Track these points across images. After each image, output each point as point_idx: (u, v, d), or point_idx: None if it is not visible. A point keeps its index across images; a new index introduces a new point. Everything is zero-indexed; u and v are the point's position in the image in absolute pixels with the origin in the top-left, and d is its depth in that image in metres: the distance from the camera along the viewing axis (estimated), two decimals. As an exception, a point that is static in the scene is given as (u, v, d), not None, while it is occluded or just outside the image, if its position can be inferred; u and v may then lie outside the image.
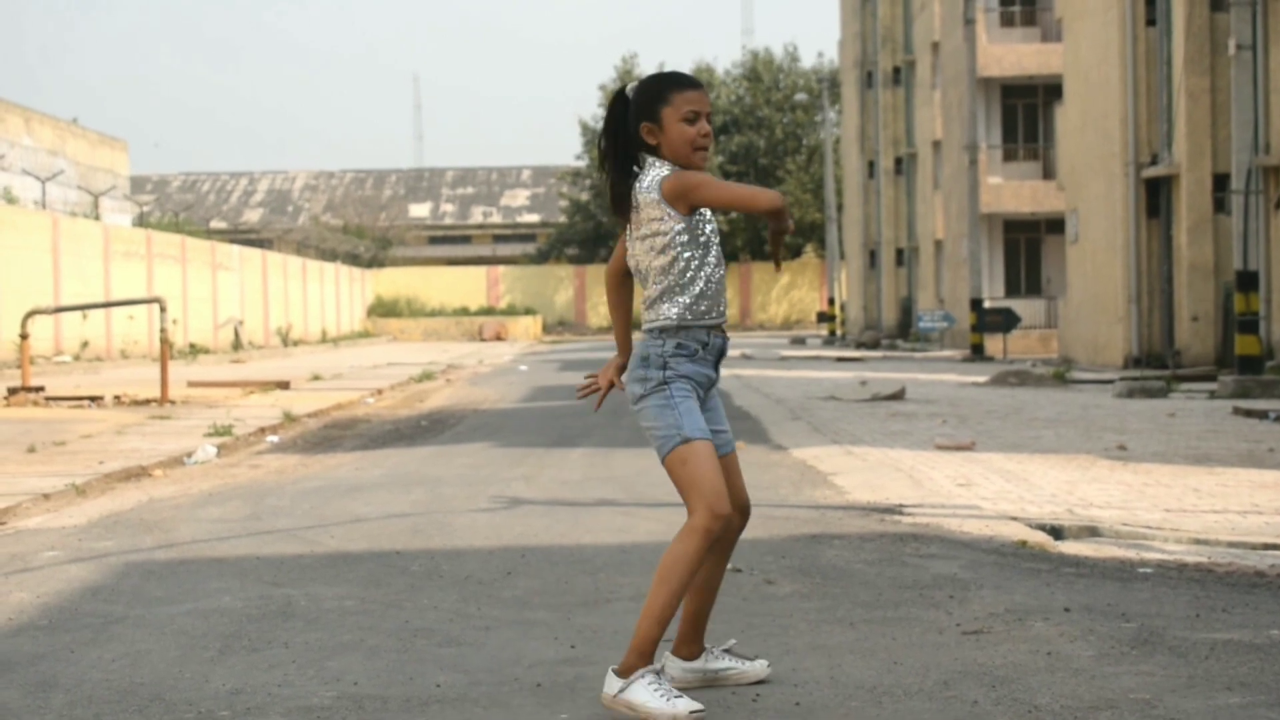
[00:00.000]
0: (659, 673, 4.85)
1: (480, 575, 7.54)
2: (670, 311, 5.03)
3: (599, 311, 77.14)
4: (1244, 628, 6.05)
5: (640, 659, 4.84)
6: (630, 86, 5.15)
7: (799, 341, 58.02)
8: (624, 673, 4.84)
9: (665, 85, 5.06)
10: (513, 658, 5.70)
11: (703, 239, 5.04)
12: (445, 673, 5.47)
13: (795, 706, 4.92)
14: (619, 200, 5.17)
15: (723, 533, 5.01)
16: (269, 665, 5.63)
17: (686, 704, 4.75)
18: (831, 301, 61.61)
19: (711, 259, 5.07)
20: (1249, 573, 7.36)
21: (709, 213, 5.09)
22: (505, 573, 7.61)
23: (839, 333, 59.63)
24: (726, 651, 5.25)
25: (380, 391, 25.08)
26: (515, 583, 7.33)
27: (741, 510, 5.22)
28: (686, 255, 5.02)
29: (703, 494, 4.90)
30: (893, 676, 5.27)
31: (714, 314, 5.07)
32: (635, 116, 5.07)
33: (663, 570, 4.88)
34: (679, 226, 5.00)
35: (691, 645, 5.21)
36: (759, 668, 5.23)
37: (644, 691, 4.78)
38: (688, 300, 5.03)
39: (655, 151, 5.06)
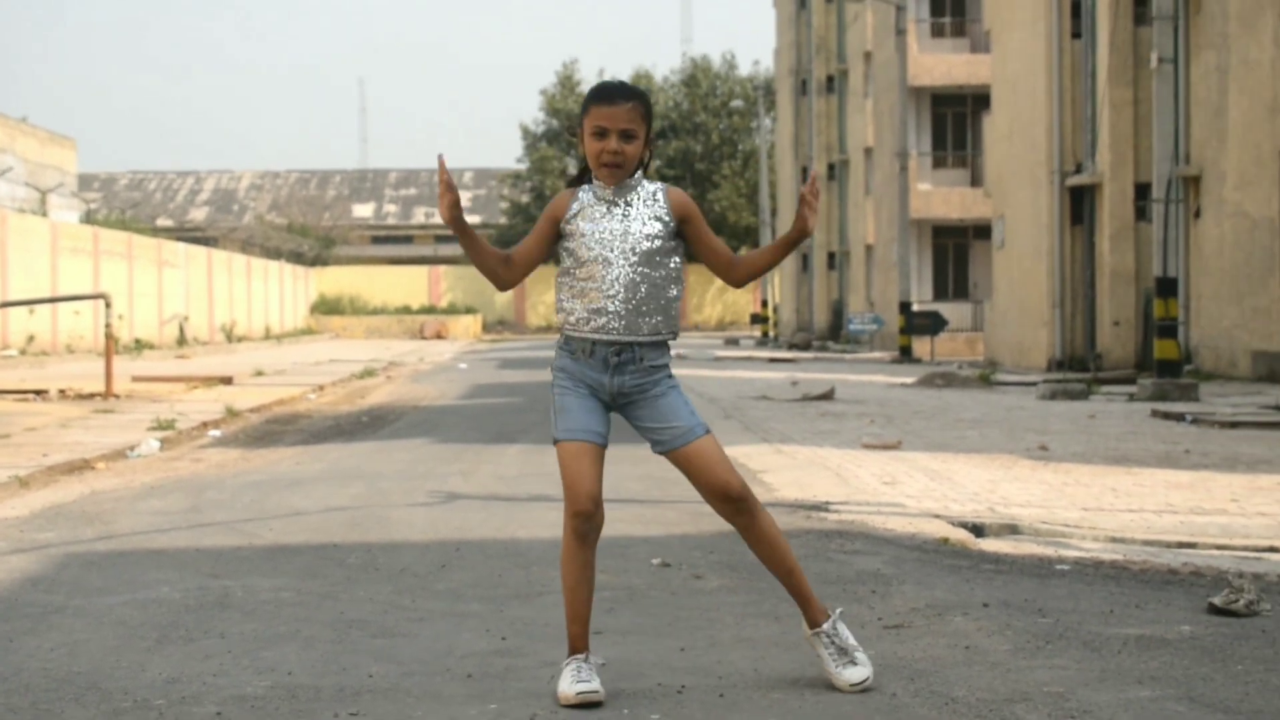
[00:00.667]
0: (584, 660, 5.07)
1: (415, 568, 7.66)
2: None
3: (538, 311, 77.49)
4: (1156, 623, 6.23)
5: (571, 645, 5.14)
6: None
7: (733, 343, 58.34)
8: (569, 654, 5.13)
9: (590, 97, 5.16)
10: (445, 649, 5.81)
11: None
12: (378, 663, 5.57)
13: (719, 699, 5.05)
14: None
15: (585, 531, 5.16)
16: (205, 655, 5.72)
17: (583, 686, 4.95)
18: (765, 304, 62.04)
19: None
20: (1162, 570, 7.56)
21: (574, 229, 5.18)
22: (440, 566, 7.73)
23: (772, 334, 60.01)
24: (834, 641, 5.23)
25: (322, 387, 25.11)
26: (449, 575, 7.45)
27: (721, 497, 5.21)
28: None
29: (566, 493, 5.13)
30: (815, 669, 5.39)
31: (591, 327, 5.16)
32: (578, 123, 5.21)
33: (562, 577, 5.21)
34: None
35: (805, 612, 5.32)
36: (849, 674, 5.15)
37: (565, 675, 5.03)
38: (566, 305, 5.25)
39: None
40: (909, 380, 26.59)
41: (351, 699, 5.07)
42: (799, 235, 5.15)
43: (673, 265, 5.19)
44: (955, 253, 48.78)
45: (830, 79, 58.06)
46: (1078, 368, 29.85)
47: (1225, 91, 26.04)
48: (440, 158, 5.07)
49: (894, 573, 7.43)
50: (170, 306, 48.66)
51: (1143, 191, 28.47)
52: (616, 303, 5.11)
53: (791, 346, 50.80)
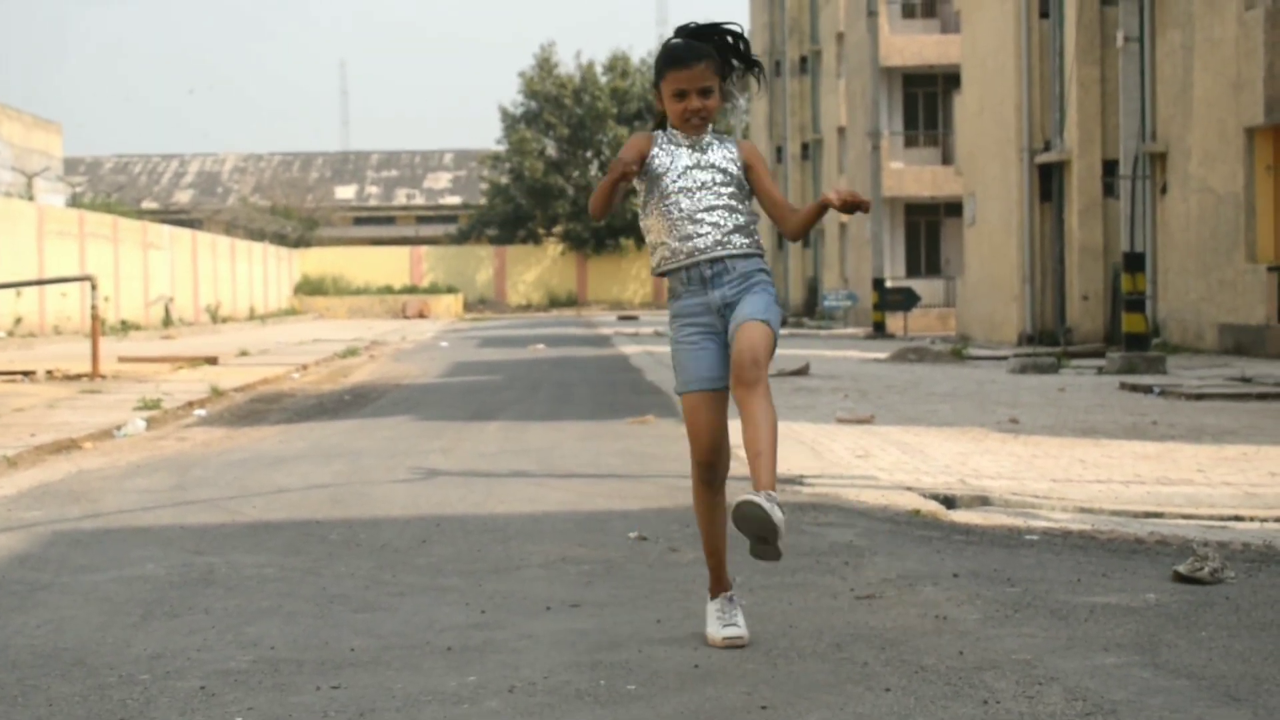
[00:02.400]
0: (730, 599, 5.53)
1: (396, 543, 7.76)
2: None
3: (518, 290, 77.60)
4: (1122, 592, 6.36)
5: (715, 585, 5.59)
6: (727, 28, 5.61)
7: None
8: (711, 595, 5.59)
9: (664, 63, 5.54)
10: (425, 622, 5.91)
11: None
12: (359, 637, 5.67)
13: (694, 669, 5.14)
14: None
15: (710, 480, 5.52)
16: (189, 630, 5.81)
17: (731, 631, 5.42)
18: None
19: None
20: (1129, 540, 7.69)
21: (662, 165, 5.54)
22: (420, 541, 7.82)
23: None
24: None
25: (305, 367, 25.15)
26: (430, 550, 7.55)
27: (737, 363, 5.32)
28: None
29: (691, 443, 5.50)
30: (788, 639, 5.52)
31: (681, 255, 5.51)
32: (655, 80, 5.60)
33: (697, 519, 5.66)
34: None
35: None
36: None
37: (709, 613, 5.54)
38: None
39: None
40: (882, 355, 26.73)
41: (333, 672, 5.16)
42: (824, 207, 5.48)
43: (746, 206, 5.57)
44: (927, 230, 48.99)
45: (803, 60, 58.16)
46: (1048, 342, 30.04)
47: (1190, 69, 26.21)
48: (622, 166, 5.41)
49: (866, 544, 7.55)
50: (156, 288, 48.61)
51: (1110, 168, 28.66)
52: (703, 226, 5.47)
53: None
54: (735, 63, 5.59)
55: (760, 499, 5.07)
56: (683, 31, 5.56)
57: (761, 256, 5.55)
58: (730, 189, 5.52)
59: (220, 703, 4.82)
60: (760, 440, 5.26)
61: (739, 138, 5.67)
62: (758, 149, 5.71)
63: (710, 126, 5.57)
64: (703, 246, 5.46)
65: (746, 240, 5.51)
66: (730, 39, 5.60)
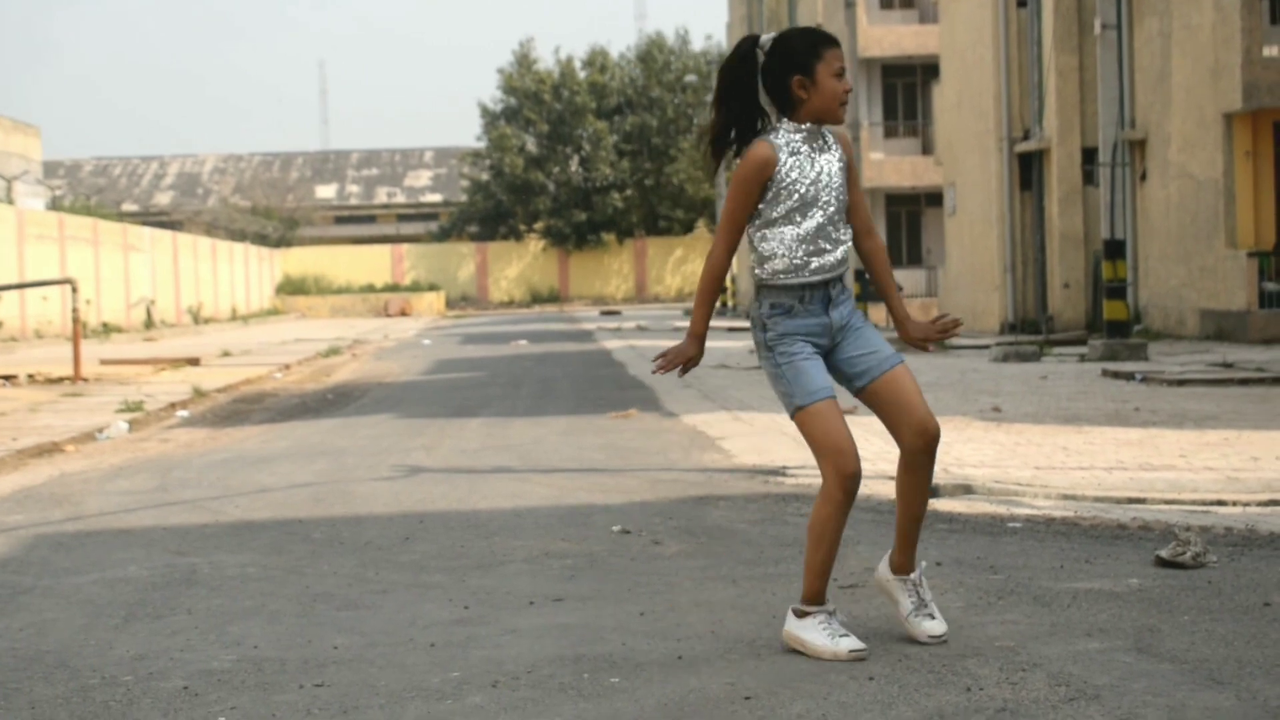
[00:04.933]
0: (831, 614, 5.16)
1: (379, 541, 7.75)
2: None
3: (500, 286, 77.51)
4: (1105, 577, 6.37)
5: (812, 604, 5.19)
6: (766, 38, 5.30)
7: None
8: (799, 614, 5.19)
9: (818, 41, 5.22)
10: (408, 619, 5.90)
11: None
12: (343, 635, 5.66)
13: (678, 660, 5.15)
14: (720, 146, 5.31)
15: (854, 491, 5.14)
16: (172, 631, 5.80)
17: (849, 643, 5.08)
18: (722, 274, 62.03)
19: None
20: (1112, 526, 7.71)
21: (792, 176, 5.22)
22: (403, 538, 7.82)
23: (730, 304, 59.98)
24: (918, 591, 5.33)
25: (288, 366, 25.13)
26: (413, 547, 7.54)
27: (919, 431, 5.18)
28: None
29: (825, 456, 5.12)
30: (771, 630, 5.52)
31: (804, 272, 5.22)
32: (783, 69, 5.20)
33: (810, 532, 5.20)
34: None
35: (898, 557, 5.40)
36: (930, 626, 5.26)
37: (814, 630, 5.12)
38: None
39: (797, 104, 5.20)
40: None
41: (317, 670, 5.16)
42: (900, 325, 5.45)
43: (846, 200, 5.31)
44: (908, 220, 49.06)
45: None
46: (1030, 330, 30.09)
47: (1168, 56, 26.25)
48: (667, 362, 5.32)
49: (849, 534, 7.53)
50: (137, 290, 48.51)
51: (1089, 156, 28.71)
52: (832, 241, 5.21)
53: (750, 316, 50.97)
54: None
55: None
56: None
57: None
58: (841, 191, 5.26)
59: (203, 702, 4.81)
60: (924, 504, 5.31)
61: (831, 128, 5.31)
62: (849, 139, 5.41)
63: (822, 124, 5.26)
64: (832, 263, 5.21)
65: (849, 252, 5.33)
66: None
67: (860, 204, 5.35)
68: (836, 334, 5.25)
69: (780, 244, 5.21)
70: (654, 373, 5.43)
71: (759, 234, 5.26)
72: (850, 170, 5.31)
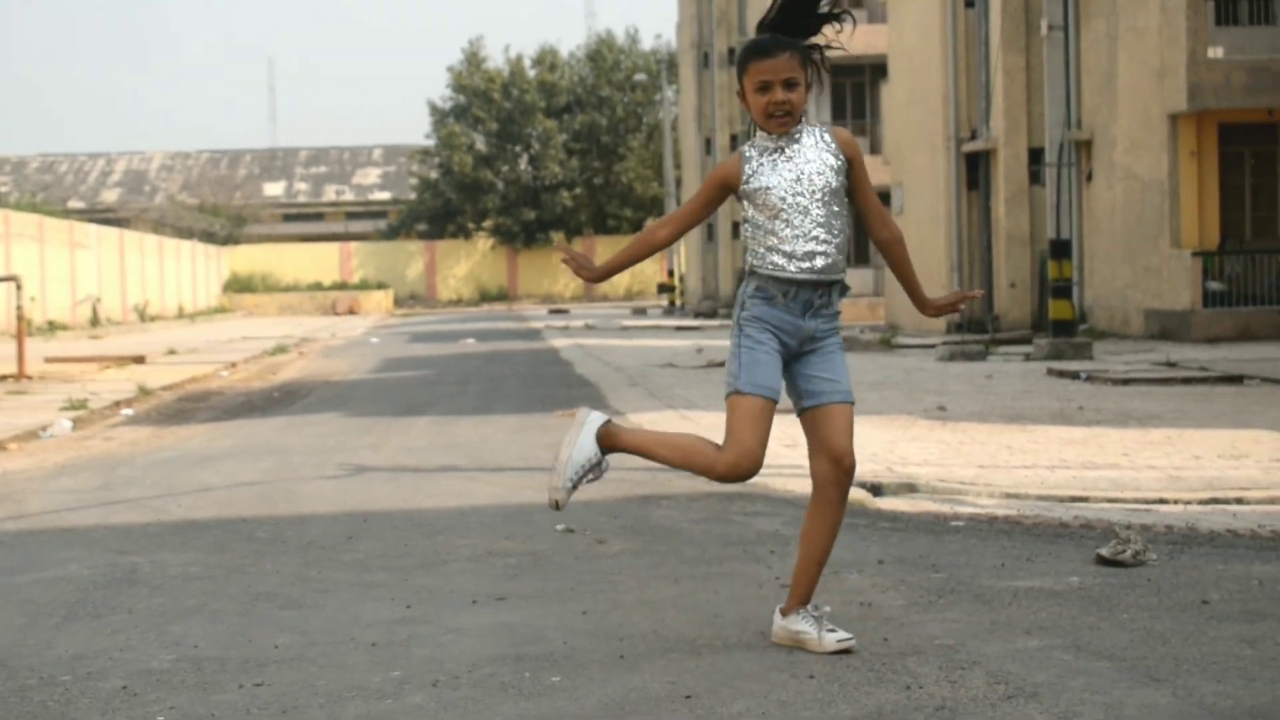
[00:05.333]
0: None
1: (323, 540, 7.72)
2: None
3: (449, 284, 77.40)
4: (1045, 575, 6.41)
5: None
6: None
7: (640, 312, 58.42)
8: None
9: (746, 55, 5.24)
10: (350, 619, 5.88)
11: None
12: (284, 634, 5.64)
13: (620, 659, 5.15)
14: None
15: (732, 480, 5.19)
16: (112, 631, 5.77)
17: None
18: (671, 273, 62.19)
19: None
20: (1054, 524, 7.76)
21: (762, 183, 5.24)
22: (347, 537, 7.79)
23: (679, 303, 60.16)
24: (816, 617, 5.24)
25: (234, 365, 25.02)
26: (356, 546, 7.52)
27: (836, 457, 5.17)
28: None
29: (730, 441, 5.13)
30: (713, 629, 5.53)
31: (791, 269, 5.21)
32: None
33: (681, 453, 5.23)
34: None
35: (791, 600, 5.31)
36: (829, 640, 5.16)
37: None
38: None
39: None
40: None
41: (257, 670, 5.14)
42: (920, 306, 5.55)
43: (845, 203, 5.30)
44: (856, 220, 49.13)
45: (732, 51, 58.02)
46: (976, 330, 30.21)
47: (1115, 58, 26.43)
48: (557, 245, 5.45)
49: (793, 533, 7.55)
50: (83, 288, 48.17)
51: (1036, 156, 28.87)
52: (819, 244, 5.19)
53: (698, 315, 50.91)
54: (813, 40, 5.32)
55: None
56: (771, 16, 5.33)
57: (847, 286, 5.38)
58: (830, 194, 5.22)
59: (142, 702, 4.78)
60: (826, 549, 5.28)
61: (833, 126, 5.32)
62: (856, 141, 5.34)
63: (803, 120, 5.26)
64: (818, 267, 5.18)
65: (843, 259, 5.28)
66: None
67: (869, 199, 5.35)
68: (806, 342, 5.23)
69: (764, 245, 5.22)
70: (555, 249, 5.50)
71: (749, 230, 5.28)
72: (856, 168, 5.29)
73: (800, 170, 5.20)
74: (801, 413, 5.26)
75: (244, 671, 5.11)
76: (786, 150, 5.22)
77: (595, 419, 5.32)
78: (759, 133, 5.26)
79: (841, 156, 5.26)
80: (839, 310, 5.30)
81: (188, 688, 4.93)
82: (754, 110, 5.21)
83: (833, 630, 5.17)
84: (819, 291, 5.21)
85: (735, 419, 5.13)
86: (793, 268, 5.17)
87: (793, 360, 5.24)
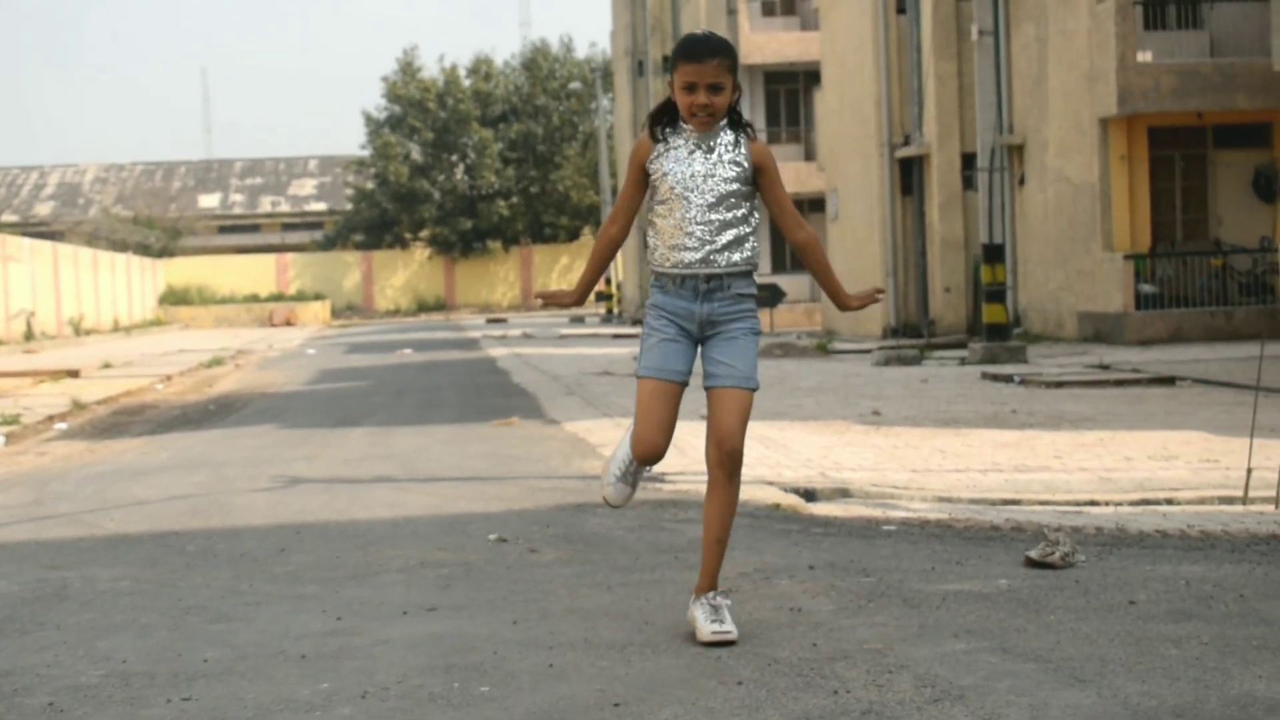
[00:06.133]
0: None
1: (255, 553, 7.69)
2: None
3: (386, 295, 77.15)
4: (975, 579, 6.45)
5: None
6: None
7: (578, 320, 58.43)
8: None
9: (677, 55, 5.44)
10: (281, 631, 5.86)
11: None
12: (214, 648, 5.61)
13: (549, 668, 5.15)
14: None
15: (647, 459, 5.58)
16: (40, 647, 5.72)
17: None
18: (608, 281, 62.14)
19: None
20: (985, 527, 7.80)
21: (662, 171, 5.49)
22: (280, 549, 7.76)
23: (616, 311, 60.16)
24: (714, 605, 5.45)
25: (170, 377, 24.87)
26: (289, 559, 7.49)
27: (718, 442, 5.49)
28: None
29: (637, 423, 5.57)
30: (643, 636, 5.54)
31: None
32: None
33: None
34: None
35: (700, 579, 5.58)
36: (706, 630, 5.37)
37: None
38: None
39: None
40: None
41: (185, 684, 5.11)
42: (840, 303, 5.78)
43: (747, 207, 5.50)
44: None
45: (665, 59, 58.19)
46: (912, 334, 30.39)
47: (1045, 62, 26.63)
48: (537, 297, 5.77)
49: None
50: (16, 302, 47.73)
51: (969, 161, 29.07)
52: (694, 240, 5.43)
53: (635, 323, 50.97)
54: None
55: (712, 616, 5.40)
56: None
57: (755, 270, 5.57)
58: (735, 197, 5.45)
59: (69, 718, 4.75)
60: (722, 528, 5.48)
61: (752, 136, 5.54)
62: (770, 152, 5.57)
63: (724, 123, 5.47)
64: (699, 259, 5.43)
65: (744, 256, 5.49)
66: None
67: (782, 204, 5.55)
68: (705, 327, 5.50)
69: (655, 231, 5.53)
70: (535, 297, 5.85)
71: (648, 218, 5.57)
72: (765, 176, 5.49)
73: (701, 169, 5.44)
74: (707, 391, 5.57)
75: (172, 686, 5.09)
76: (700, 147, 5.46)
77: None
78: (681, 123, 5.47)
79: (749, 164, 5.46)
80: (748, 296, 5.53)
81: (115, 703, 4.90)
82: (680, 105, 5.42)
83: (718, 621, 5.37)
84: (709, 281, 5.45)
85: (638, 398, 5.56)
86: (669, 259, 5.48)
87: (703, 344, 5.54)
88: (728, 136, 5.48)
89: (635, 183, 5.56)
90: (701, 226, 5.43)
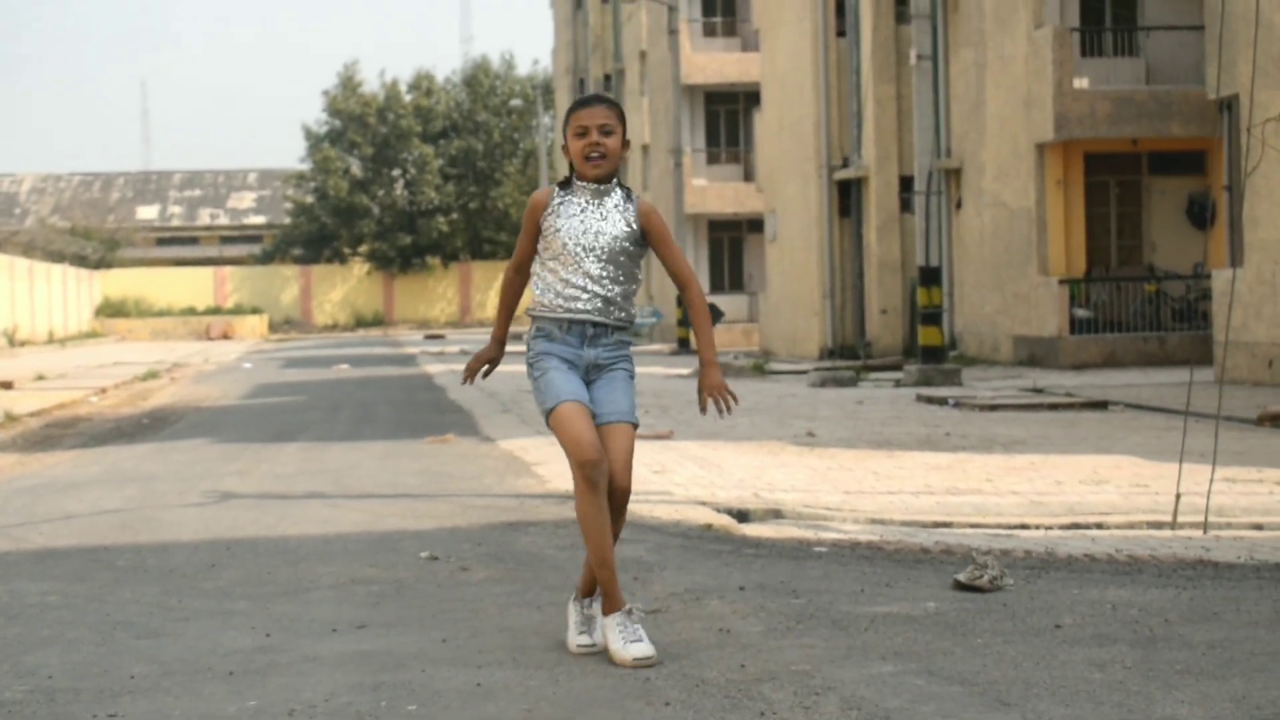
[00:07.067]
0: (628, 613, 5.49)
1: (184, 568, 7.65)
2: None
3: (324, 309, 76.79)
4: (903, 601, 6.49)
5: (608, 602, 5.54)
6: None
7: (515, 338, 58.46)
8: (605, 613, 5.55)
9: (571, 108, 5.72)
10: (209, 647, 5.84)
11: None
12: (141, 664, 5.58)
13: (476, 688, 5.14)
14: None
15: (595, 478, 5.50)
16: (-37, 662, 5.68)
17: (638, 649, 5.38)
18: (539, 300, 62.12)
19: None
20: (915, 550, 7.85)
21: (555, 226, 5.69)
22: (209, 565, 7.73)
23: (549, 329, 60.08)
24: (584, 613, 5.71)
25: (104, 390, 24.69)
26: (218, 574, 7.45)
27: (609, 491, 5.60)
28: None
29: (567, 451, 5.53)
30: (572, 656, 5.54)
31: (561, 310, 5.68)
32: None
33: (581, 527, 5.58)
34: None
35: (581, 583, 5.80)
36: (573, 641, 5.65)
37: (611, 629, 5.49)
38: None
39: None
40: (685, 372, 26.90)
41: (111, 700, 5.08)
42: (701, 362, 5.89)
43: (636, 265, 5.75)
44: (730, 246, 49.45)
45: (607, 77, 58.27)
46: (848, 356, 30.50)
47: (983, 87, 26.83)
48: (468, 369, 5.86)
49: (656, 559, 7.61)
50: (-50, 313, 47.29)
51: (907, 184, 29.21)
52: (587, 293, 5.64)
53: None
54: None
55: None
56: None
57: (632, 324, 5.80)
58: (625, 256, 5.69)
59: (-9, 735, 4.72)
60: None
61: (640, 197, 5.79)
62: (658, 212, 5.81)
63: (615, 180, 5.71)
64: (586, 309, 5.63)
65: (629, 312, 5.74)
66: None
67: (674, 261, 5.77)
68: (591, 370, 5.68)
69: (542, 282, 5.72)
70: (462, 384, 5.99)
71: (534, 268, 5.76)
72: (654, 236, 5.72)
73: (593, 226, 5.67)
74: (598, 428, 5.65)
75: (98, 702, 5.06)
76: (591, 205, 5.69)
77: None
78: (576, 181, 5.70)
79: (637, 225, 5.70)
80: (626, 342, 5.78)
81: (39, 719, 4.87)
82: (573, 155, 5.68)
83: (585, 632, 5.64)
84: (594, 325, 5.66)
85: (562, 431, 5.53)
86: (561, 308, 5.64)
87: (590, 382, 5.68)
88: (619, 195, 5.72)
89: (530, 236, 5.75)
90: (593, 281, 5.63)
